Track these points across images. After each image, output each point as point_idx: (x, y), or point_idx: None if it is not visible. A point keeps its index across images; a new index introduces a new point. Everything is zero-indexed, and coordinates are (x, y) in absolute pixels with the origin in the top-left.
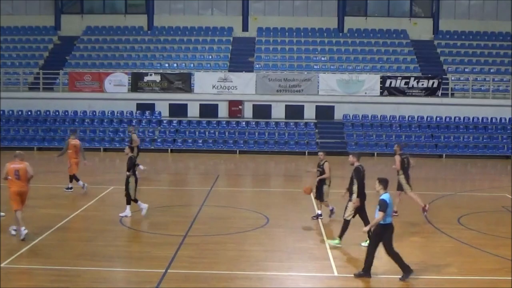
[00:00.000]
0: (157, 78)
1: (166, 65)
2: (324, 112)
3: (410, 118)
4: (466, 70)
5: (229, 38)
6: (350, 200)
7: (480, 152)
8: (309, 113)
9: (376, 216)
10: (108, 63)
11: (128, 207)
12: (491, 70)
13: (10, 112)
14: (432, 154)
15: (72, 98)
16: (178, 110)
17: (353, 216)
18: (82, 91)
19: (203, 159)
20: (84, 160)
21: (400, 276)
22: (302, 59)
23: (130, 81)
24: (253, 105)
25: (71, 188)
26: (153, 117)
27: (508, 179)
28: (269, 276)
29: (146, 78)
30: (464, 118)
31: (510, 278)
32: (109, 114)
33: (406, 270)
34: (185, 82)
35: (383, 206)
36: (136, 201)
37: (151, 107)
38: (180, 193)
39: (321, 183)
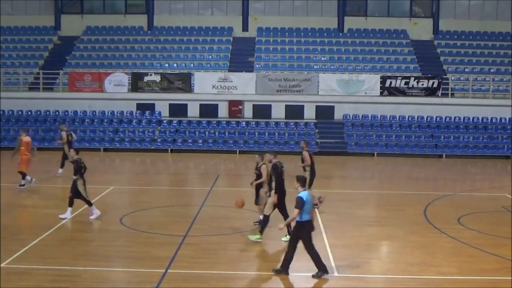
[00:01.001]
0: (157, 78)
1: (166, 65)
2: (324, 112)
3: (410, 118)
4: (466, 70)
5: (229, 38)
6: (269, 196)
7: (480, 152)
8: (309, 113)
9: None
10: (108, 63)
11: (69, 209)
12: (491, 70)
13: (10, 112)
14: (432, 154)
15: (72, 98)
16: (178, 110)
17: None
18: (82, 91)
19: (203, 159)
20: (34, 157)
21: (313, 274)
22: (302, 59)
23: (130, 81)
24: (253, 105)
25: (23, 185)
26: (153, 117)
27: (508, 179)
28: (269, 276)
29: (146, 78)
30: (464, 118)
31: (510, 278)
32: (109, 114)
33: (322, 269)
34: (185, 82)
35: (299, 203)
36: (90, 204)
37: (151, 107)
38: (180, 193)
39: (259, 187)
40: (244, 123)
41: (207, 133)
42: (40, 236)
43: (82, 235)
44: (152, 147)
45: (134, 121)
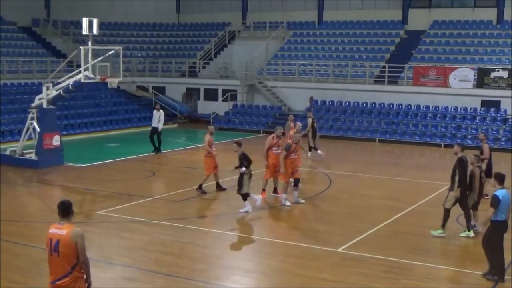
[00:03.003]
0: (505, 75)
1: None
2: None
3: None
4: None
5: None
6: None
7: None
8: None
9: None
10: (453, 58)
11: (246, 203)
12: None
13: (356, 103)
14: None
15: (415, 92)
16: None
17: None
18: (426, 86)
19: None
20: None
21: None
22: None
23: (475, 77)
24: None
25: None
26: (498, 115)
27: None
28: None
29: (493, 74)
30: None
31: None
32: (452, 110)
33: (499, 275)
34: None
35: (494, 201)
36: (247, 195)
37: (496, 104)
38: None
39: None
40: None
41: None
42: (376, 226)
43: (416, 229)
44: (496, 146)
45: (477, 118)
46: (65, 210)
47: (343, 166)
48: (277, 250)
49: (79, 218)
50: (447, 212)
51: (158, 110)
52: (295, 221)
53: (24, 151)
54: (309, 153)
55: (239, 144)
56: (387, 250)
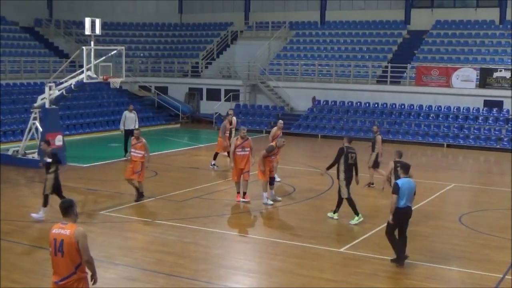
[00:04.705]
0: (507, 75)
1: None
2: None
3: None
4: None
5: None
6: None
7: None
8: None
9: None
10: (456, 58)
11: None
12: None
13: (358, 103)
14: None
15: (418, 92)
16: None
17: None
18: (428, 86)
19: None
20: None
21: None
22: None
23: (478, 77)
24: None
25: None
26: (501, 115)
27: None
28: None
29: (496, 74)
30: None
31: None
32: (454, 110)
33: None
34: None
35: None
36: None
37: (499, 104)
38: None
39: None
40: None
41: None
42: (378, 226)
43: (418, 229)
44: (498, 146)
45: (480, 118)
46: (65, 209)
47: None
48: (279, 250)
49: (82, 218)
50: (350, 201)
51: (131, 111)
52: (296, 221)
53: (26, 151)
54: None
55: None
56: (389, 250)
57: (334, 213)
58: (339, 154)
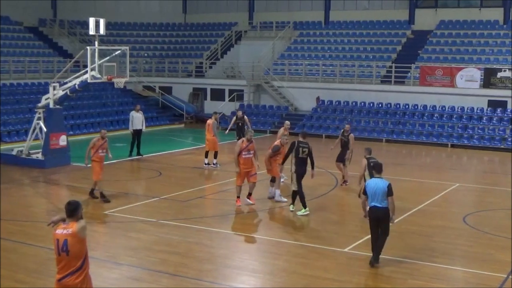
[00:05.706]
0: (511, 74)
1: None
2: None
3: None
4: None
5: None
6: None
7: None
8: None
9: None
10: (460, 58)
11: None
12: None
13: (362, 103)
14: None
15: (422, 92)
16: None
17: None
18: (432, 86)
19: None
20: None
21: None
22: None
23: (482, 77)
24: None
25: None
26: (505, 115)
27: None
28: None
29: (500, 74)
30: None
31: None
32: (459, 110)
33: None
34: None
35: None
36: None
37: (503, 104)
38: None
39: None
40: None
41: None
42: None
43: (423, 229)
44: (502, 146)
45: (484, 118)
46: (71, 211)
47: (349, 166)
48: (284, 250)
49: (85, 218)
50: (297, 193)
51: (138, 111)
52: (301, 221)
53: (30, 151)
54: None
55: None
56: (394, 250)
57: (291, 205)
58: (290, 148)
